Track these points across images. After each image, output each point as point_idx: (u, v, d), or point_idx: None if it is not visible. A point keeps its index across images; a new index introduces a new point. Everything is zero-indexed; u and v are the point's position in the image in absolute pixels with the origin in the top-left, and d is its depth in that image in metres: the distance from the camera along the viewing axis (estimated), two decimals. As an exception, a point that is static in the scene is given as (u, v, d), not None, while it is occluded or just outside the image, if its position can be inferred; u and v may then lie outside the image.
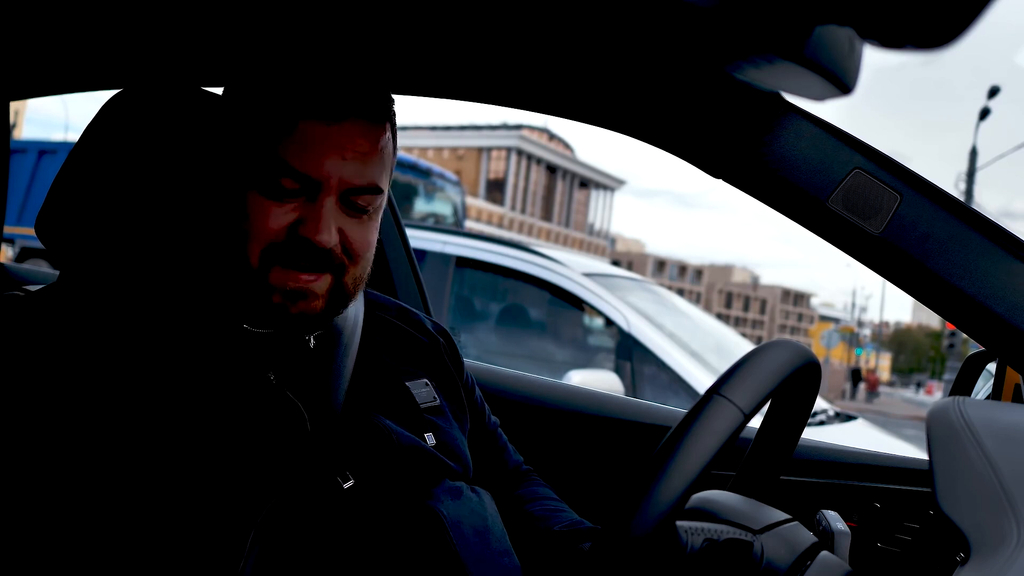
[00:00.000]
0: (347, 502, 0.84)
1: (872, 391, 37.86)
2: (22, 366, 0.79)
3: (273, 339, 0.89)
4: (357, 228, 0.87)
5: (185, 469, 0.78)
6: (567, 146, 61.63)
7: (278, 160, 0.83)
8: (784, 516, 0.81)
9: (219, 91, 1.05)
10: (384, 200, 0.91)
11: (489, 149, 54.53)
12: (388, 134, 0.89)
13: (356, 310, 0.99)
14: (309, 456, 0.84)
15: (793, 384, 0.79)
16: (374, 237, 0.91)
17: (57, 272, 0.99)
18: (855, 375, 36.59)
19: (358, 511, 0.84)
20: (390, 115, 0.90)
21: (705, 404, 0.68)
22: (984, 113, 18.78)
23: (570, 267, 3.74)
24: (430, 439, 0.94)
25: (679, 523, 0.75)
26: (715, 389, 0.69)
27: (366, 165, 0.85)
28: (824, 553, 0.77)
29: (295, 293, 0.85)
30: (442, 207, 12.02)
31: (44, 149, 10.74)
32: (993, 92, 18.82)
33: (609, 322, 3.67)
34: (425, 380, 1.01)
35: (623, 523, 0.63)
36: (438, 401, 1.00)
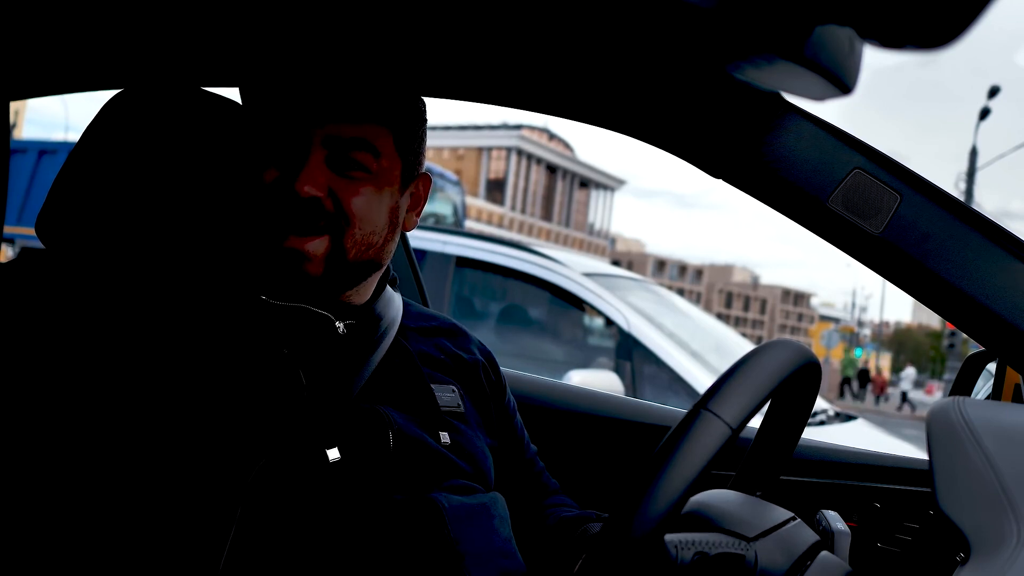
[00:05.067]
0: (332, 474, 0.84)
1: (880, 394, 36.06)
2: (23, 331, 0.81)
3: (298, 315, 0.90)
4: (350, 188, 0.89)
5: (180, 427, 0.79)
6: (567, 146, 61.60)
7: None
8: (785, 516, 0.81)
9: (220, 91, 1.06)
10: (388, 166, 0.92)
11: (489, 149, 54.52)
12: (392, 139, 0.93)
13: (395, 311, 1.01)
14: (301, 425, 0.85)
15: (791, 385, 0.78)
16: (375, 202, 0.92)
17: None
18: (862, 376, 35.69)
19: (344, 485, 0.85)
20: (396, 119, 0.93)
21: (692, 421, 0.67)
22: (984, 113, 18.77)
23: (570, 267, 3.74)
24: (444, 437, 0.95)
25: (668, 537, 0.74)
26: (703, 404, 0.68)
27: (356, 125, 0.89)
28: (824, 553, 0.77)
29: (289, 254, 0.87)
30: (442, 207, 12.02)
31: (44, 149, 10.73)
32: (993, 92, 18.80)
33: (609, 322, 3.67)
34: (453, 387, 1.01)
35: (607, 547, 0.63)
36: (463, 408, 1.00)
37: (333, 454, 0.85)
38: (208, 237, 0.96)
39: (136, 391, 0.80)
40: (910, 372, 33.43)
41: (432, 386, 0.98)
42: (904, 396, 31.36)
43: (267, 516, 0.80)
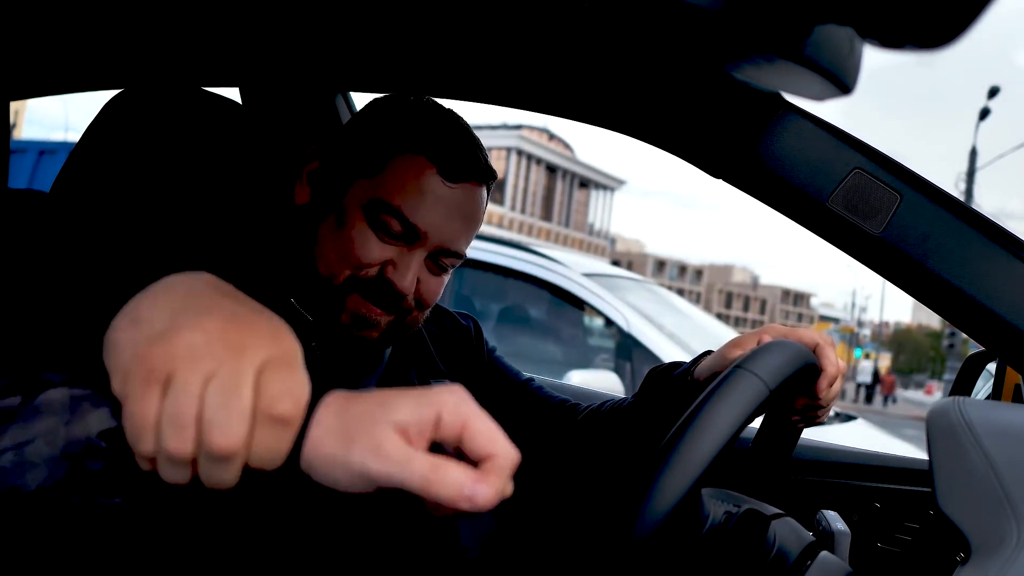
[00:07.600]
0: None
1: (889, 394, 35.45)
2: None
3: (314, 327, 0.92)
4: (433, 282, 0.93)
5: None
6: (567, 146, 61.60)
7: (386, 203, 0.87)
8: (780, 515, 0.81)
9: (220, 91, 1.05)
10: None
11: (489, 149, 54.32)
12: (486, 194, 0.95)
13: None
14: None
15: (794, 384, 0.79)
16: (442, 289, 0.96)
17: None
18: (872, 375, 35.55)
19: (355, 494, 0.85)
20: (493, 176, 0.96)
21: (728, 376, 0.67)
22: (984, 113, 18.78)
23: (570, 267, 3.74)
24: None
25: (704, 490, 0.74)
26: (739, 364, 0.68)
27: (464, 232, 0.92)
28: (824, 553, 0.77)
29: (363, 320, 0.89)
30: (442, 207, 12.01)
31: (44, 149, 10.71)
32: (993, 92, 18.81)
33: (609, 322, 3.66)
34: (446, 382, 1.03)
35: (642, 504, 0.62)
36: None
37: None
38: (207, 236, 0.96)
39: None
40: (866, 365, 34.09)
41: (431, 381, 1.02)
42: (859, 388, 32.03)
43: (283, 518, 0.80)
